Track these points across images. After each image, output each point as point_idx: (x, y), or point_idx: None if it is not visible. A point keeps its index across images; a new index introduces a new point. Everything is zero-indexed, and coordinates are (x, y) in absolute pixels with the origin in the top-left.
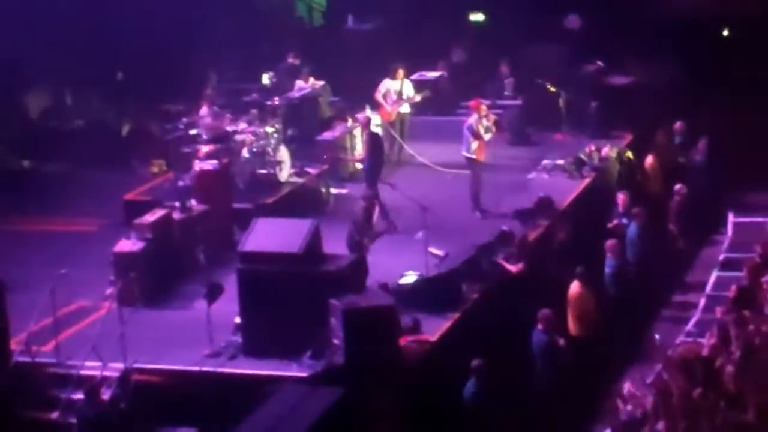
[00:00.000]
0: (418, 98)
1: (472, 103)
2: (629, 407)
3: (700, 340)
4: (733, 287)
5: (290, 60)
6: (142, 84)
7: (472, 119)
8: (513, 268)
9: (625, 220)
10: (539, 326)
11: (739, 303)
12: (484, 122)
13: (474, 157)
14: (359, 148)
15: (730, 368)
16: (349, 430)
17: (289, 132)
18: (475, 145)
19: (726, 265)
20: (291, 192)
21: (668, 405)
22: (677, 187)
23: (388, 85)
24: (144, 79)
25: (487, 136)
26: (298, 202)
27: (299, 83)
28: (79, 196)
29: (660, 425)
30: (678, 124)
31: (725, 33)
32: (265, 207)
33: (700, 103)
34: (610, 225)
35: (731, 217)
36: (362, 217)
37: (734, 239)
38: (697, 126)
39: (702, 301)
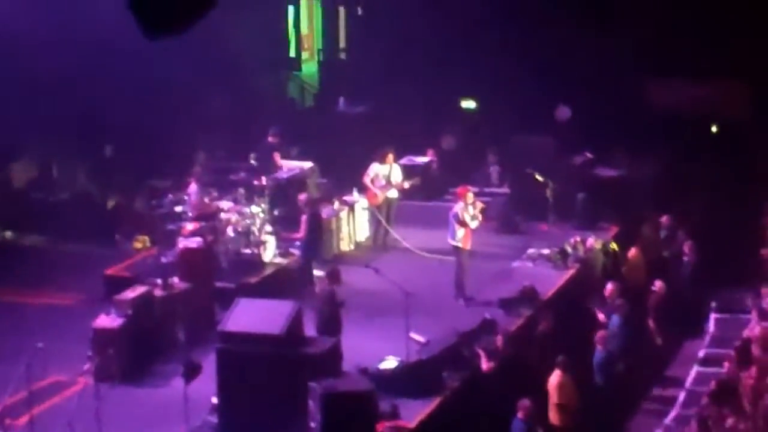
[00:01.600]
0: (406, 185)
1: (459, 190)
2: None
3: None
4: (713, 382)
5: (270, 139)
6: (129, 159)
7: (458, 207)
8: (485, 365)
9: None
10: (519, 415)
11: (719, 398)
12: (471, 210)
13: (459, 245)
14: (345, 231)
15: None
16: None
17: (275, 212)
18: (461, 232)
19: (707, 360)
20: (274, 273)
21: None
22: (656, 285)
23: (376, 169)
24: (132, 154)
25: (473, 224)
26: (281, 284)
27: (287, 163)
28: (60, 270)
29: None
30: (664, 218)
31: (714, 129)
32: (248, 287)
33: (686, 198)
34: (599, 315)
35: (713, 314)
36: (328, 293)
37: (716, 335)
38: (682, 221)
39: (681, 396)
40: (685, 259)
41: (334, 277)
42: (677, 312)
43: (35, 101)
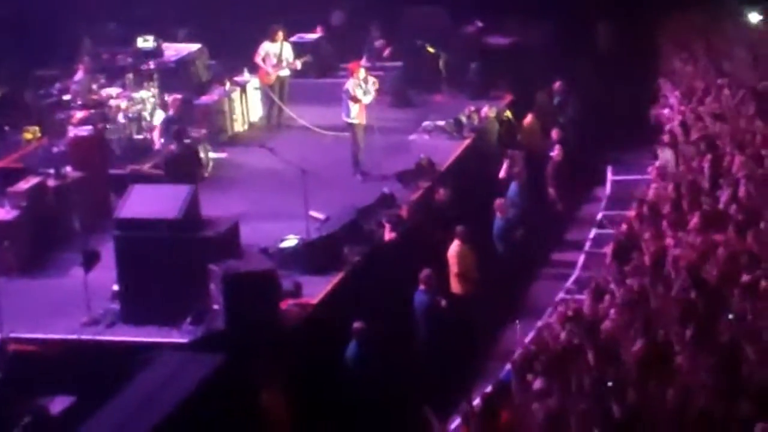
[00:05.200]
0: (298, 65)
1: (350, 66)
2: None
3: (579, 296)
4: (611, 243)
5: None
6: (13, 49)
7: (349, 83)
8: (387, 235)
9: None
10: (421, 287)
11: (617, 258)
12: (363, 85)
13: (354, 121)
14: (238, 112)
15: (607, 323)
16: (231, 396)
17: (166, 96)
18: (354, 109)
19: (604, 222)
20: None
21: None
22: (554, 151)
23: (267, 48)
24: (16, 44)
25: (366, 99)
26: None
27: (175, 46)
28: None
29: (537, 382)
30: (557, 84)
31: None
32: (142, 173)
33: (579, 62)
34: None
35: (610, 175)
36: None
37: (612, 196)
38: (575, 85)
39: (581, 259)
40: (569, 111)
41: None
42: (574, 176)
43: None
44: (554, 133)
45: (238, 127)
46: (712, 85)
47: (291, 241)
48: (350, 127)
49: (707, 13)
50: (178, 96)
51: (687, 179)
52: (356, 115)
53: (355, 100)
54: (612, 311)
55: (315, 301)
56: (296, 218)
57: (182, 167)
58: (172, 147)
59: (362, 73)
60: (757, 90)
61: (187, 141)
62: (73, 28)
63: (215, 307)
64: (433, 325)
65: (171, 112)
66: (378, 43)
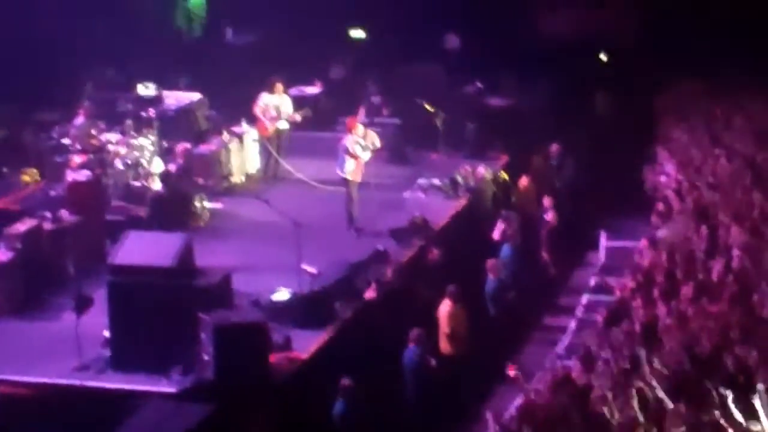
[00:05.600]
0: (298, 117)
1: (348, 122)
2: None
3: (569, 362)
4: (604, 310)
5: None
6: (14, 92)
7: (348, 139)
8: (368, 294)
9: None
10: (411, 345)
11: (609, 325)
12: (362, 142)
13: (349, 177)
14: (235, 163)
15: (596, 391)
16: None
17: (164, 144)
18: (350, 164)
19: (597, 288)
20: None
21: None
22: (548, 215)
23: (266, 100)
24: (17, 87)
25: (365, 155)
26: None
27: (175, 95)
28: None
29: None
30: (554, 147)
31: (603, 57)
32: (138, 219)
33: (576, 126)
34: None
35: (604, 241)
36: None
37: (606, 263)
38: (571, 149)
39: (572, 324)
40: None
41: None
42: (568, 240)
43: None
44: (546, 200)
45: (235, 178)
46: (709, 154)
47: (283, 294)
48: (345, 182)
49: (706, 83)
50: (187, 145)
51: (681, 249)
52: (352, 171)
53: (354, 156)
54: (602, 379)
55: (305, 355)
56: (289, 271)
57: (169, 210)
58: (161, 189)
59: (360, 129)
60: (755, 161)
61: (174, 184)
62: (74, 72)
63: (205, 357)
64: (421, 383)
65: (180, 161)
66: (375, 98)
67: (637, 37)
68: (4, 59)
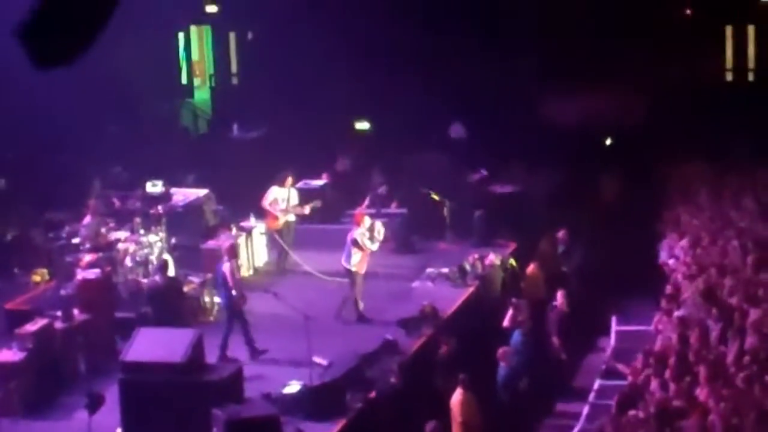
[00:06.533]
0: (307, 210)
1: (355, 215)
2: None
3: None
4: (616, 395)
5: None
6: (24, 192)
7: (356, 232)
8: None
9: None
10: None
11: (622, 410)
12: (368, 233)
13: (354, 269)
14: (244, 257)
15: None
16: None
17: (173, 240)
18: (356, 257)
19: (608, 373)
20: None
21: None
22: (558, 300)
23: (275, 193)
24: (26, 187)
25: (374, 247)
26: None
27: (183, 191)
28: None
29: None
30: (561, 233)
31: (608, 142)
32: (148, 316)
33: (583, 210)
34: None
35: (614, 325)
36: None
37: (617, 347)
38: (579, 234)
39: (585, 410)
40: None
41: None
42: (578, 324)
43: None
44: (559, 291)
45: (244, 271)
46: (718, 236)
47: (294, 387)
48: (349, 273)
49: (714, 163)
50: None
51: (693, 331)
52: (357, 263)
53: (362, 249)
54: None
55: None
56: (299, 364)
57: (167, 300)
58: (157, 279)
59: (367, 221)
60: (764, 242)
61: (170, 275)
62: (82, 171)
63: None
64: None
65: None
66: (381, 189)
67: (642, 121)
68: (17, 164)
